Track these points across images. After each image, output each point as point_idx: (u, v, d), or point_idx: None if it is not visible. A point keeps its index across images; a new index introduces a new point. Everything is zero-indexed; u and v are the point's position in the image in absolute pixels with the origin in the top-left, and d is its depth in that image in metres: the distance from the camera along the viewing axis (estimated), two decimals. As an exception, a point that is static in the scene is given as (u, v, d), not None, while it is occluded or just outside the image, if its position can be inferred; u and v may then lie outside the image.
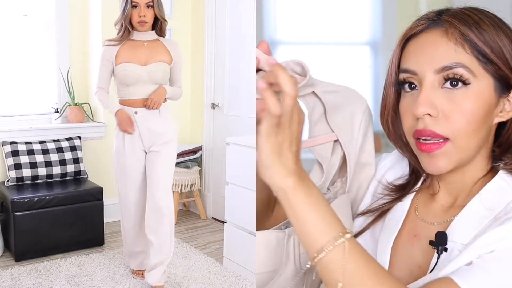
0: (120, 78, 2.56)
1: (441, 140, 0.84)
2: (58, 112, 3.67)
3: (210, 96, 4.01)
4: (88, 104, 3.81)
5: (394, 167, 1.04)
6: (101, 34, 3.54)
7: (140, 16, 2.50)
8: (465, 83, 0.82)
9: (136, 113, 2.56)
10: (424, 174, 0.97)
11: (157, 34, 2.65)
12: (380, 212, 0.97)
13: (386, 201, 0.98)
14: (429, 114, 0.83)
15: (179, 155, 3.91)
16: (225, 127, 3.88)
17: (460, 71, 0.81)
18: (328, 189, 1.03)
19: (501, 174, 0.88)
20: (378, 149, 1.11)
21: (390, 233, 0.94)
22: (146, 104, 2.54)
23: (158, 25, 2.62)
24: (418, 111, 0.84)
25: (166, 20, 2.65)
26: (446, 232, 0.85)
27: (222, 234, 3.09)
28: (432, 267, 0.84)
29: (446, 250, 0.84)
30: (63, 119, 3.71)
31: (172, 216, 2.60)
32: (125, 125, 2.54)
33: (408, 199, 0.96)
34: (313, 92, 1.03)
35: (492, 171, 0.89)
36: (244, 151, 2.78)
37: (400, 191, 0.98)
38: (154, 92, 2.55)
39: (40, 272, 2.90)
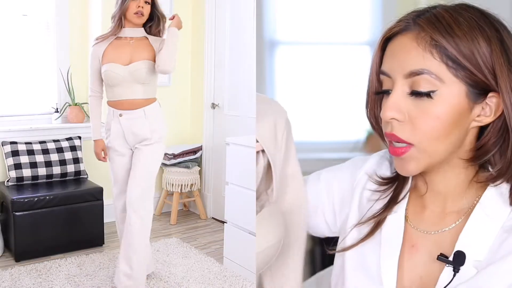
0: (104, 79, 2.51)
1: (406, 145, 0.84)
2: (58, 112, 3.67)
3: (210, 96, 4.01)
4: (88, 104, 3.81)
5: (380, 167, 1.04)
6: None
7: (138, 7, 2.45)
8: (429, 95, 0.81)
9: (120, 115, 2.51)
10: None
11: (147, 33, 2.57)
12: (375, 224, 0.96)
13: (380, 205, 0.97)
14: (395, 119, 0.84)
15: (179, 155, 3.91)
16: (225, 127, 3.88)
17: (426, 77, 0.80)
18: (260, 198, 1.02)
19: (496, 183, 0.87)
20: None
21: (392, 247, 0.93)
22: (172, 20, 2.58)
23: (154, 23, 2.57)
24: (384, 115, 0.84)
25: (165, 17, 2.61)
26: (457, 247, 0.84)
27: (222, 234, 3.09)
28: (445, 286, 0.83)
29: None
30: (63, 119, 3.71)
31: (145, 216, 2.51)
32: (98, 157, 2.68)
33: (401, 210, 0.96)
34: None
35: (480, 176, 0.88)
36: (244, 151, 2.78)
37: (391, 187, 0.98)
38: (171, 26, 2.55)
39: (40, 272, 2.90)
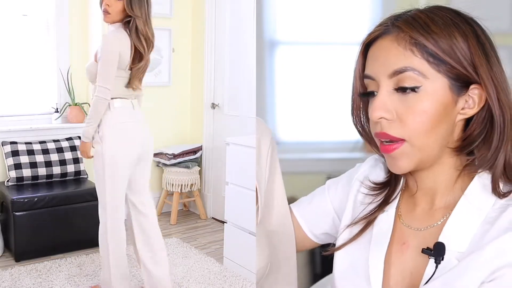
0: None
1: (397, 142, 0.87)
2: (58, 112, 3.67)
3: (210, 96, 4.01)
4: (88, 104, 3.81)
5: (375, 169, 1.06)
6: (101, 34, 3.54)
7: (104, 4, 2.27)
8: (414, 89, 0.84)
9: None
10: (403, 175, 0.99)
11: (129, 32, 2.32)
12: (366, 223, 0.98)
13: (371, 207, 0.99)
14: (384, 118, 0.87)
15: (179, 155, 3.91)
16: (225, 127, 3.88)
17: (409, 74, 0.84)
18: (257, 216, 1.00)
19: (480, 174, 0.89)
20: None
21: (380, 244, 0.95)
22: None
23: (130, 24, 2.31)
24: (373, 115, 0.87)
25: (138, 16, 2.29)
26: (440, 239, 0.86)
27: (222, 234, 3.09)
28: (429, 277, 0.85)
29: (443, 259, 0.85)
30: (63, 119, 3.71)
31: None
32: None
33: (392, 209, 0.98)
34: None
35: (467, 170, 0.90)
36: (244, 151, 2.78)
37: (383, 190, 1.00)
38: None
39: (40, 272, 2.90)
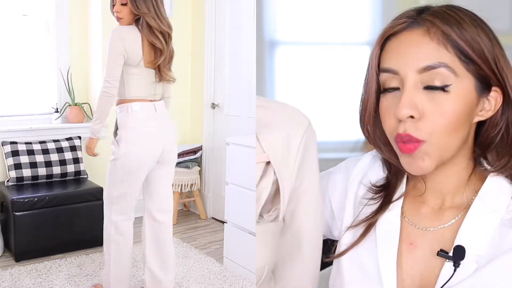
0: None
1: (418, 141, 0.84)
2: (58, 112, 3.67)
3: (210, 96, 4.01)
4: (88, 104, 3.81)
5: (373, 167, 1.02)
6: (101, 34, 3.55)
7: (115, 11, 2.39)
8: (444, 89, 0.81)
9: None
10: (407, 175, 0.96)
11: (140, 30, 2.36)
12: (369, 224, 0.95)
13: (373, 208, 0.96)
14: (411, 116, 0.83)
15: (179, 155, 3.91)
16: (225, 127, 3.88)
17: (442, 70, 0.81)
18: (261, 216, 0.91)
19: (493, 175, 0.88)
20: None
21: (389, 245, 0.92)
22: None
23: (141, 22, 2.35)
24: (401, 113, 0.83)
25: (145, 13, 2.34)
26: (456, 242, 0.84)
27: (222, 234, 3.09)
28: (446, 281, 0.83)
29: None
30: (63, 119, 3.71)
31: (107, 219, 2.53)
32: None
33: (397, 207, 0.95)
34: None
35: (477, 171, 0.89)
36: (244, 151, 2.78)
37: (383, 191, 0.96)
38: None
39: (40, 272, 2.90)
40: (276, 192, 0.91)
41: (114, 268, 2.45)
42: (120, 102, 2.39)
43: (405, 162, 0.87)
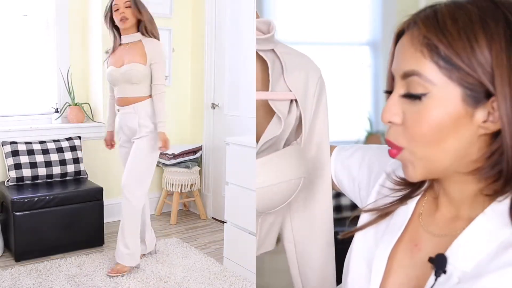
0: (108, 80, 2.92)
1: (398, 149, 0.82)
2: (58, 112, 3.67)
3: (210, 96, 4.01)
4: (88, 104, 3.81)
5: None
6: (101, 34, 3.55)
7: (120, 14, 2.70)
8: (419, 98, 0.76)
9: (118, 110, 2.88)
10: None
11: (143, 35, 2.80)
12: (384, 213, 0.94)
13: (392, 199, 0.94)
14: (391, 122, 0.80)
15: (179, 155, 3.91)
16: (225, 127, 3.88)
17: (415, 79, 0.76)
18: (286, 144, 1.09)
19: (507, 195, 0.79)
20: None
21: (390, 238, 0.90)
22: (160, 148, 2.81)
23: (141, 26, 2.78)
24: (383, 117, 0.81)
25: (144, 20, 2.77)
26: (447, 253, 0.79)
27: (222, 234, 3.09)
28: None
29: (445, 272, 0.78)
30: (63, 119, 3.71)
31: (139, 206, 2.86)
32: (106, 144, 3.05)
33: (412, 203, 0.92)
34: (273, 50, 1.09)
35: (496, 183, 0.79)
36: (244, 151, 2.78)
37: (408, 187, 0.93)
38: (159, 139, 2.79)
39: (40, 272, 2.90)
40: (297, 127, 1.09)
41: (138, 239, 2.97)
42: (148, 97, 2.82)
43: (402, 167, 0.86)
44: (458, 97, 0.74)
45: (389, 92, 0.85)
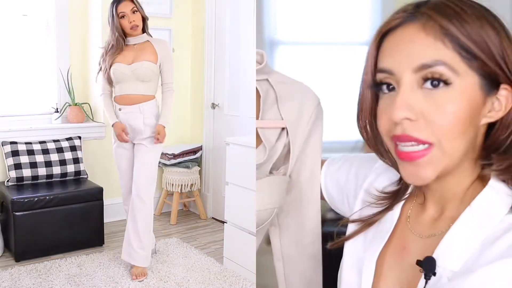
0: (112, 77, 2.80)
1: (425, 147, 0.76)
2: (58, 112, 3.67)
3: (210, 96, 4.01)
4: (88, 104, 3.81)
5: (382, 173, 0.98)
6: (101, 34, 3.54)
7: (130, 22, 2.73)
8: (446, 82, 0.74)
9: (120, 110, 2.82)
10: None
11: (148, 35, 2.85)
12: (370, 222, 0.93)
13: (376, 210, 0.93)
14: (408, 118, 0.76)
15: (179, 155, 3.91)
16: (225, 127, 3.88)
17: (440, 69, 0.74)
18: (271, 172, 1.13)
19: (492, 184, 0.79)
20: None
21: (378, 244, 0.89)
22: (156, 137, 2.77)
23: (145, 26, 2.83)
24: (395, 115, 0.76)
25: (147, 17, 2.84)
26: (434, 254, 0.79)
27: (222, 234, 3.09)
28: None
29: (435, 274, 0.77)
30: (63, 119, 3.71)
31: (152, 205, 2.89)
32: (121, 138, 2.82)
33: (397, 208, 0.90)
34: (267, 80, 1.13)
35: (481, 177, 0.81)
36: (244, 151, 2.77)
37: (391, 198, 0.92)
38: (157, 130, 2.77)
39: (40, 272, 2.90)
40: (286, 153, 1.12)
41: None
42: (153, 97, 2.85)
43: (405, 170, 0.80)
44: (477, 86, 0.75)
45: (384, 91, 0.81)
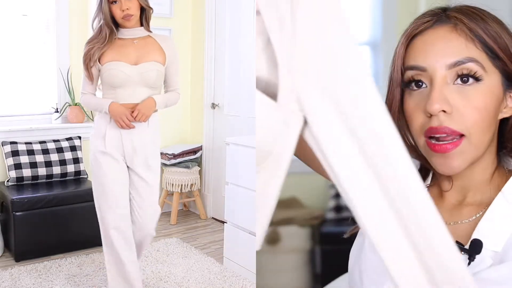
0: (105, 79, 2.22)
1: (456, 139, 0.82)
2: (58, 112, 3.67)
3: (210, 96, 4.01)
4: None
5: None
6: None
7: (123, 10, 2.17)
8: (477, 79, 0.82)
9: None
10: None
11: (146, 29, 2.31)
12: None
13: None
14: (443, 111, 0.81)
15: (179, 155, 3.91)
16: (225, 127, 3.88)
17: (472, 66, 0.81)
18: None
19: None
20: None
21: None
22: (132, 114, 2.17)
23: (143, 17, 2.27)
24: (432, 108, 0.81)
25: (151, 8, 2.29)
26: (474, 235, 0.84)
27: (222, 234, 3.09)
28: None
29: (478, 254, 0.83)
30: (63, 119, 3.71)
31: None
32: (123, 123, 2.20)
33: None
34: None
35: (500, 169, 0.90)
36: (244, 151, 2.78)
37: None
38: (142, 102, 2.20)
39: (40, 272, 2.90)
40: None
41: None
42: (156, 109, 2.36)
43: (437, 161, 0.85)
44: (500, 83, 0.84)
45: (414, 88, 0.86)
